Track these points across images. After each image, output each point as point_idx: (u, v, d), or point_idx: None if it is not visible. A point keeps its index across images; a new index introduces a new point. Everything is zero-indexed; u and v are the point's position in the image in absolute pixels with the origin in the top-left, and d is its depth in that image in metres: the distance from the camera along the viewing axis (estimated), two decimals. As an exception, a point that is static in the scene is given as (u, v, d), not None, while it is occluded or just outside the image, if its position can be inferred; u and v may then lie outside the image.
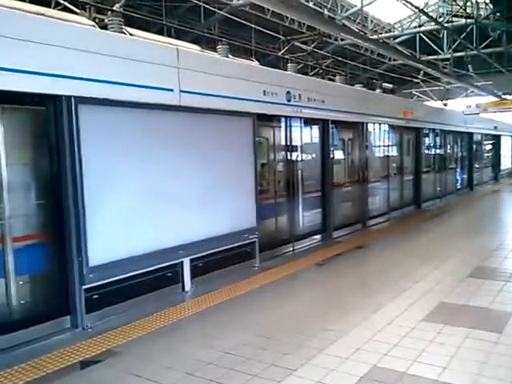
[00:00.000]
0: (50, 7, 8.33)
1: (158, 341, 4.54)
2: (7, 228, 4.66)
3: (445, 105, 18.70)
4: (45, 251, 4.95)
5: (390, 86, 13.45)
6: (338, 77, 10.52)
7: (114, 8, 7.12)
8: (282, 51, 11.68)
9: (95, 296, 4.95)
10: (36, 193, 4.96)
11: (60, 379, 3.81)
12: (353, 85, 11.61)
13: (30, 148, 4.91)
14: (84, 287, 4.84)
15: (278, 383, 3.64)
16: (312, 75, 11.17)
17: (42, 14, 4.95)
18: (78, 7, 6.79)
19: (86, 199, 4.80)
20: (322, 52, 18.34)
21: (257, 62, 8.78)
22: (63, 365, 4.04)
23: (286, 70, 9.05)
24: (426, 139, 15.06)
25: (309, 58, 13.32)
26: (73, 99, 4.67)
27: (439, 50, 20.83)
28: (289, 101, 7.81)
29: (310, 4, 15.88)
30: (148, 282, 5.51)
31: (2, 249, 4.63)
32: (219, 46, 7.20)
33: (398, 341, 4.35)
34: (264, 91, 7.22)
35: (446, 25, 17.88)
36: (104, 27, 5.66)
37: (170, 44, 6.18)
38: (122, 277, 5.19)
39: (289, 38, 11.65)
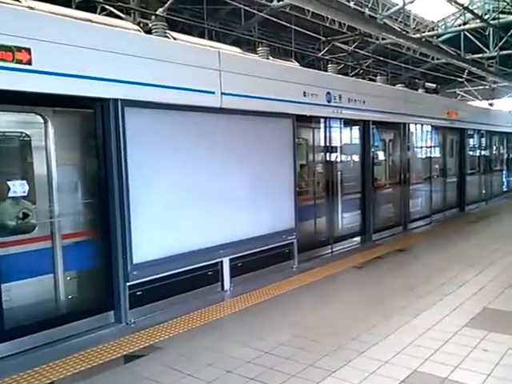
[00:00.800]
0: (95, 13, 8.65)
1: (198, 338, 4.63)
2: (57, 226, 4.87)
3: (490, 105, 18.09)
4: (91, 248, 5.14)
5: (433, 85, 13.13)
6: (378, 77, 10.39)
7: (158, 12, 7.29)
8: (322, 52, 11.64)
9: (138, 292, 5.10)
10: (84, 192, 5.15)
11: (105, 372, 3.94)
12: (394, 85, 11.43)
13: (79, 149, 5.10)
14: (128, 284, 5.00)
15: (316, 384, 3.65)
16: (352, 75, 11.07)
17: (89, 20, 5.13)
18: (122, 12, 7.02)
19: (131, 198, 4.96)
20: (362, 52, 18.13)
21: (297, 64, 8.78)
22: (108, 358, 4.18)
23: (326, 70, 9.00)
24: (471, 140, 14.63)
25: (349, 58, 13.20)
26: (120, 102, 4.84)
27: (485, 48, 20.19)
28: (329, 102, 7.78)
29: (351, 4, 15.73)
30: (189, 280, 5.63)
31: (52, 246, 4.84)
32: (260, 48, 7.26)
33: (440, 346, 4.26)
34: (304, 92, 7.23)
35: (491, 22, 17.32)
36: (148, 31, 5.82)
37: (212, 47, 6.29)
38: (164, 274, 5.32)
39: (329, 38, 11.57)
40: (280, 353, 4.23)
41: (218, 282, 6.07)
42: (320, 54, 11.86)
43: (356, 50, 14.38)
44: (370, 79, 11.22)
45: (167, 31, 5.86)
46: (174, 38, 6.05)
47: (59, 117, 4.85)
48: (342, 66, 11.12)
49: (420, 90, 11.96)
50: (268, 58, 7.26)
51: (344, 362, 3.99)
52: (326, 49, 11.56)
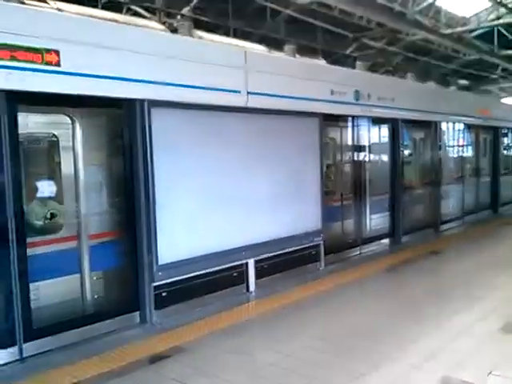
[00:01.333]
0: (121, 13, 8.74)
1: (223, 340, 4.59)
2: (83, 226, 4.90)
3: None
4: (117, 249, 5.17)
5: (466, 82, 12.79)
6: (409, 74, 10.14)
7: (183, 12, 7.29)
8: (350, 49, 11.46)
9: (164, 293, 5.09)
10: (110, 192, 5.19)
11: (131, 372, 3.95)
12: (426, 82, 11.15)
13: (106, 150, 5.14)
14: (153, 284, 5.00)
15: (343, 390, 3.56)
16: (382, 73, 10.86)
17: (116, 21, 5.16)
18: (148, 12, 7.04)
19: (157, 199, 4.96)
20: (392, 48, 17.80)
21: (324, 61, 8.65)
22: (133, 359, 4.19)
23: (354, 68, 8.85)
24: (505, 139, 14.18)
25: (378, 55, 12.97)
26: (146, 103, 4.84)
27: (520, 44, 19.53)
28: (357, 100, 7.64)
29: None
30: (214, 281, 5.60)
31: (78, 246, 4.88)
32: (286, 46, 7.16)
33: (473, 351, 4.12)
34: (331, 90, 7.10)
35: (527, 16, 16.74)
36: (174, 31, 5.81)
37: (238, 46, 6.25)
38: (189, 275, 5.30)
39: (357, 35, 11.38)
40: (305, 356, 4.17)
41: (243, 283, 6.02)
42: (348, 52, 11.68)
43: (385, 46, 14.11)
44: (401, 77, 10.98)
45: (193, 30, 5.85)
46: (200, 37, 6.03)
47: (87, 117, 4.89)
48: (372, 63, 10.89)
49: (452, 88, 11.64)
50: (294, 56, 7.17)
51: (372, 367, 3.89)
52: (355, 46, 11.38)
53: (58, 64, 4.20)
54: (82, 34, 4.40)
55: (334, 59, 17.15)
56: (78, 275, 4.88)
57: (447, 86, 11.56)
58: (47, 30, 4.15)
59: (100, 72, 4.51)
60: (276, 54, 7.29)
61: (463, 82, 12.92)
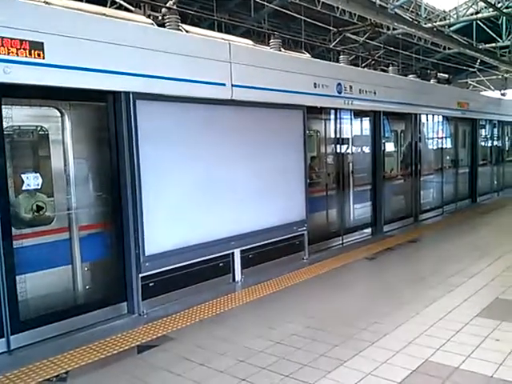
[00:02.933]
0: (105, 6, 8.66)
1: (210, 328, 4.68)
2: (74, 218, 4.93)
3: (503, 95, 17.86)
4: (105, 240, 5.21)
5: (446, 75, 13.00)
6: (390, 67, 10.28)
7: (168, 5, 7.27)
8: (334, 43, 11.56)
9: (151, 284, 5.16)
10: (98, 184, 5.21)
11: (119, 362, 4.01)
12: (407, 75, 11.32)
13: (94, 142, 5.15)
14: (140, 275, 5.06)
15: (328, 373, 3.67)
16: (364, 66, 10.99)
17: (104, 14, 5.16)
18: (132, 5, 7.00)
19: (143, 191, 5.00)
20: (373, 42, 17.97)
21: (307, 55, 8.73)
22: (121, 349, 4.24)
23: (337, 61, 8.95)
24: (483, 131, 14.49)
25: (360, 49, 13.09)
26: (131, 95, 4.87)
27: (497, 38, 19.90)
28: (339, 93, 7.75)
29: (361, -6, 15.55)
30: (200, 271, 5.68)
31: (69, 237, 4.91)
32: (272, 40, 7.18)
33: (452, 336, 4.27)
34: (315, 83, 7.20)
35: (504, 11, 17.05)
36: (161, 25, 5.82)
37: (223, 39, 6.28)
38: (176, 266, 5.38)
39: (340, 29, 11.49)
40: (291, 343, 4.26)
41: (230, 273, 6.11)
42: (331, 45, 11.77)
43: (367, 40, 14.25)
44: (382, 70, 11.13)
45: (180, 24, 5.86)
46: (187, 31, 6.05)
47: (75, 110, 4.89)
48: (354, 56, 11.01)
49: (432, 81, 11.85)
50: (280, 50, 7.22)
51: (355, 352, 4.01)
52: (337, 40, 11.47)
53: (42, 56, 4.20)
54: (66, 26, 4.39)
55: (318, 53, 17.30)
56: (66, 267, 4.91)
57: (428, 80, 11.73)
58: (32, 22, 4.14)
59: (84, 64, 4.52)
60: (261, 47, 7.36)
61: (443, 75, 13.11)
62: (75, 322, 4.63)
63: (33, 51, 4.13)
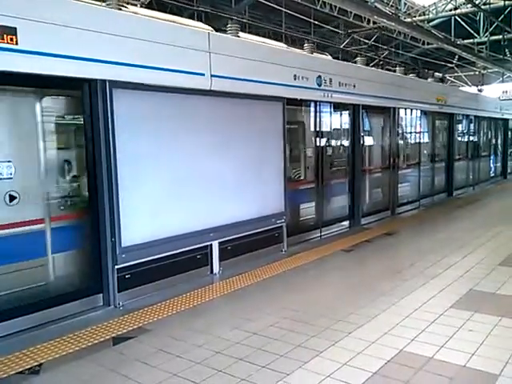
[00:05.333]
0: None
1: (187, 320, 4.65)
2: (46, 208, 4.82)
3: (480, 90, 18.15)
4: (80, 231, 5.12)
5: (440, 75, 13.20)
6: (358, 58, 10.20)
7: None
8: (313, 36, 11.54)
9: (127, 275, 5.10)
10: (72, 175, 5.10)
11: (94, 354, 3.95)
12: (390, 70, 11.38)
13: (67, 131, 5.04)
14: (117, 267, 4.99)
15: (304, 364, 3.69)
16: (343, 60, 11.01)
17: (173, 21, 5.09)
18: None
19: (120, 181, 4.93)
20: (355, 36, 18.03)
21: (285, 46, 8.69)
22: (97, 340, 4.19)
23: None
24: (459, 126, 14.72)
25: (340, 42, 13.13)
26: (107, 83, 4.78)
27: (475, 34, 20.17)
28: (319, 85, 7.75)
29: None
30: (178, 263, 5.63)
31: (40, 228, 4.81)
32: (228, 25, 6.68)
33: (426, 326, 4.34)
34: (294, 75, 7.18)
35: (482, 7, 17.29)
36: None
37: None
38: (152, 258, 5.32)
39: (319, 23, 11.47)
40: (269, 334, 4.27)
41: (207, 265, 6.08)
42: (310, 39, 11.77)
43: (347, 34, 14.32)
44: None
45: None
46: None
47: (47, 98, 4.77)
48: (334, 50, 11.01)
49: (429, 79, 11.98)
50: (238, 36, 6.97)
51: (332, 343, 4.04)
52: (318, 34, 11.45)
53: (15, 42, 4.08)
54: (40, 11, 4.27)
55: (299, 45, 17.22)
56: (40, 258, 4.81)
57: (419, 77, 11.87)
58: (4, 7, 4.01)
59: (59, 51, 4.39)
60: (242, 36, 7.25)
61: (438, 74, 13.27)
62: (49, 314, 4.55)
63: (6, 36, 4.00)
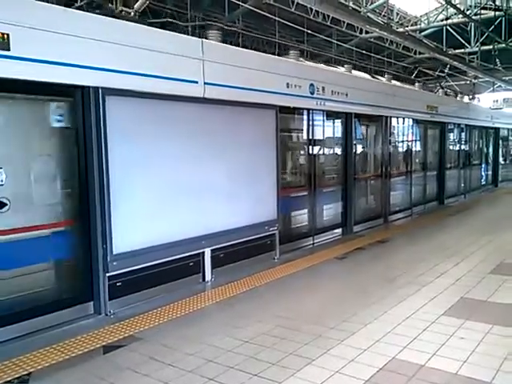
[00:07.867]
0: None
1: (179, 328, 4.62)
2: (36, 216, 4.78)
3: (471, 99, 18.33)
4: (71, 239, 5.07)
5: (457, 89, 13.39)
6: (345, 66, 10.28)
7: (140, 2, 7.14)
8: (307, 45, 11.62)
9: (118, 283, 5.06)
10: (63, 182, 5.07)
11: (84, 363, 3.91)
12: (387, 78, 11.48)
13: (58, 138, 5.01)
14: (108, 274, 4.95)
15: (297, 372, 3.67)
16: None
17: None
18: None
19: (112, 189, 4.90)
20: (346, 45, 18.18)
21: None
22: (87, 349, 4.15)
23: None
24: (451, 134, 14.83)
25: (331, 51, 13.23)
26: (100, 90, 4.77)
27: (466, 44, 20.40)
28: (312, 93, 7.79)
29: (335, -3, 15.69)
30: (170, 271, 5.60)
31: (31, 236, 4.75)
32: (210, 31, 6.53)
33: (418, 334, 4.34)
34: (287, 84, 7.21)
35: (473, 17, 17.51)
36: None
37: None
38: (144, 265, 5.28)
39: (312, 32, 11.56)
40: (261, 342, 4.25)
41: (200, 272, 6.05)
42: (304, 47, 11.84)
43: (339, 43, 14.42)
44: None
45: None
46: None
47: (36, 105, 4.75)
48: (325, 59, 11.10)
49: (440, 92, 12.08)
50: (222, 42, 6.89)
51: (324, 350, 4.03)
52: (311, 43, 11.53)
53: (8, 48, 4.07)
54: (34, 18, 4.27)
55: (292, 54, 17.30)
56: (30, 266, 4.76)
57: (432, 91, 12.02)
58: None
59: (53, 58, 4.39)
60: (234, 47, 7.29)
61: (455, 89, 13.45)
62: (39, 323, 4.49)
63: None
